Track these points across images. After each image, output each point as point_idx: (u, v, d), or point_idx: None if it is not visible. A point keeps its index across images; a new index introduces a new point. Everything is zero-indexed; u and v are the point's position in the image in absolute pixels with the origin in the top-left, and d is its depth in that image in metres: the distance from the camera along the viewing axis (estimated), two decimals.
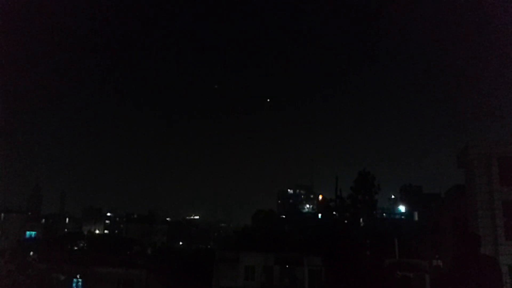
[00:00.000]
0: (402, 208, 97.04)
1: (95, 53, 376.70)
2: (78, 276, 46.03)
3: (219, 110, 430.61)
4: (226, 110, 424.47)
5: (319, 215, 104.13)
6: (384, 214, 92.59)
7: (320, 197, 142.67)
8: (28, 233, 76.81)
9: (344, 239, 27.63)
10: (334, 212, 31.02)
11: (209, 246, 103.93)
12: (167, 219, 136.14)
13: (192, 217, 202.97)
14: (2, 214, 71.48)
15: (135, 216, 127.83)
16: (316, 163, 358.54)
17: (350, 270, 25.23)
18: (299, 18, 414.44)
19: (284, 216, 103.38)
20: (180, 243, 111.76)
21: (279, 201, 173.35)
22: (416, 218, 70.44)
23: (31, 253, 52.33)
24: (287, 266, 42.35)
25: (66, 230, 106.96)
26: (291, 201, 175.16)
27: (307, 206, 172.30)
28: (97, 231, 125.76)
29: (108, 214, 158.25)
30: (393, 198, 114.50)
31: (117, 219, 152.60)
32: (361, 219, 32.42)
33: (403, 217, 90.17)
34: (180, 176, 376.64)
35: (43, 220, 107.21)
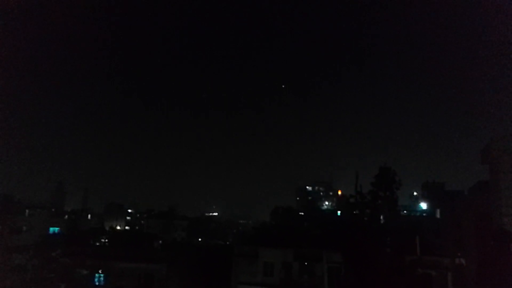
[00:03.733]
0: (424, 205, 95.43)
1: (112, 53, 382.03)
2: (100, 271, 46.82)
3: (237, 106, 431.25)
4: (245, 107, 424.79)
5: (339, 212, 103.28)
6: (405, 212, 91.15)
7: (339, 192, 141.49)
8: (51, 229, 78.32)
9: (364, 236, 27.24)
10: (354, 208, 30.63)
11: (228, 242, 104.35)
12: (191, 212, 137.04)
13: (211, 214, 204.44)
14: (27, 210, 73.19)
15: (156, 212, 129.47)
16: (336, 159, 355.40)
17: (370, 266, 24.92)
18: (315, 7, 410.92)
19: (303, 213, 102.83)
20: (200, 239, 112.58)
21: (297, 198, 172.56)
22: (438, 215, 69.07)
23: (55, 248, 53.41)
24: (306, 262, 42.14)
25: (89, 226, 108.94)
26: (310, 197, 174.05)
27: (326, 203, 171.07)
28: (118, 227, 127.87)
29: (129, 210, 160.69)
30: (415, 196, 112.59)
31: (138, 215, 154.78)
32: (381, 216, 31.91)
33: (424, 214, 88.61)
34: (199, 173, 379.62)
35: (66, 216, 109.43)
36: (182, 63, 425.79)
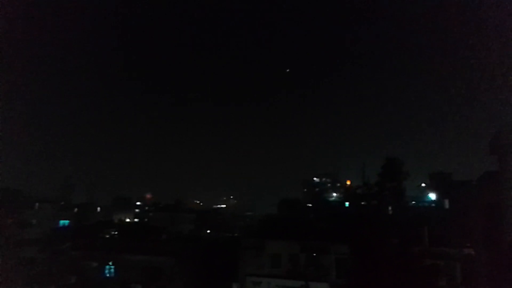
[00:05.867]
0: (431, 196, 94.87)
1: (115, 48, 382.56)
2: (110, 263, 47.30)
3: (243, 98, 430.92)
4: (250, 98, 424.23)
5: (346, 203, 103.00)
6: (413, 202, 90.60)
7: (348, 182, 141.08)
8: (61, 222, 79.16)
9: (371, 227, 27.16)
10: (361, 200, 30.54)
11: (235, 235, 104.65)
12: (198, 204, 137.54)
13: (218, 206, 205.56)
14: (36, 204, 73.88)
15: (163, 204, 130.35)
16: (343, 151, 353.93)
17: (377, 257, 24.86)
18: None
19: (310, 205, 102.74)
20: (207, 231, 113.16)
21: (304, 190, 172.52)
22: (446, 206, 68.68)
23: (64, 241, 53.99)
24: (313, 254, 42.14)
25: (97, 219, 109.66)
26: (316, 189, 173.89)
27: (333, 194, 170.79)
28: (127, 220, 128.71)
29: (138, 203, 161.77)
30: (423, 186, 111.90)
31: (146, 208, 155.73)
32: (389, 207, 31.84)
33: (433, 205, 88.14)
34: (206, 166, 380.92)
35: (75, 209, 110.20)
36: (187, 54, 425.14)
